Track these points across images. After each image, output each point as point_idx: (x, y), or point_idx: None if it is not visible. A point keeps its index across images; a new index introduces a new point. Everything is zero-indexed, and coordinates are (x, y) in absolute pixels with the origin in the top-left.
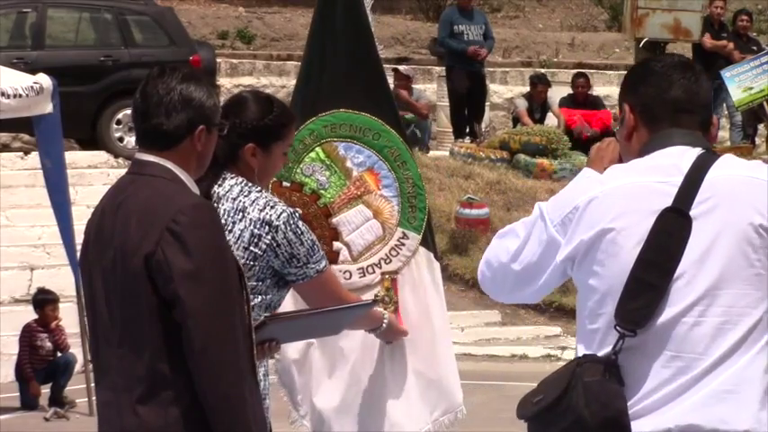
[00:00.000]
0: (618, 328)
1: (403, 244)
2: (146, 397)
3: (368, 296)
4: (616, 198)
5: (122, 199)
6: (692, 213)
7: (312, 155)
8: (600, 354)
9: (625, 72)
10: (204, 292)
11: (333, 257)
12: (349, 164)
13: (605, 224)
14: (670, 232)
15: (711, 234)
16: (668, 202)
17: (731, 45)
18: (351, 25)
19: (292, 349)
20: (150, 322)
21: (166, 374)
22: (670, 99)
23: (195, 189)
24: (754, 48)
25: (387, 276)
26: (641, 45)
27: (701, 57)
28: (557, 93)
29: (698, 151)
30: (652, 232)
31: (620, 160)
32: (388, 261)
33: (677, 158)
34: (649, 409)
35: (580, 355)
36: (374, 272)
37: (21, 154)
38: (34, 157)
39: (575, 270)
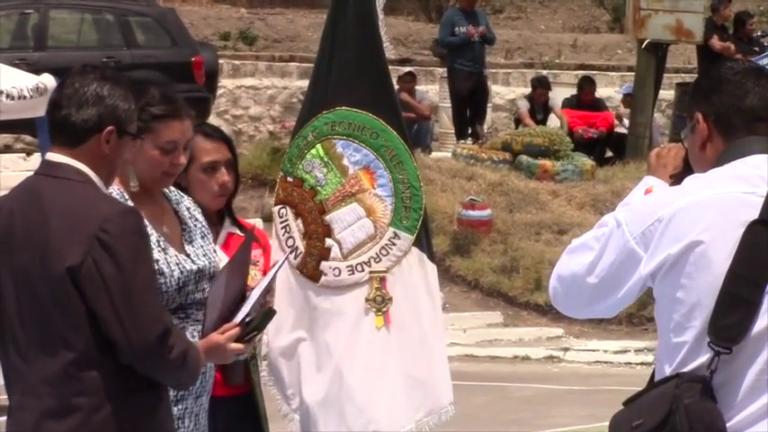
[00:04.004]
0: (713, 345)
1: (394, 244)
2: (71, 404)
3: (354, 295)
4: (703, 210)
5: (36, 201)
6: None
7: (313, 151)
8: (688, 368)
9: (627, 73)
10: (134, 299)
11: (324, 254)
12: (345, 161)
13: (694, 236)
14: (760, 245)
15: None
16: (755, 212)
17: (734, 47)
18: (359, 25)
19: (280, 343)
20: (75, 328)
21: (91, 380)
22: (746, 108)
23: (107, 192)
24: (756, 49)
25: (375, 276)
26: (643, 46)
27: (707, 58)
28: (559, 94)
29: None
30: (742, 245)
31: (685, 167)
32: (377, 260)
33: (760, 168)
34: (744, 425)
35: (666, 369)
36: (363, 270)
37: (23, 155)
38: (36, 159)
39: (658, 282)
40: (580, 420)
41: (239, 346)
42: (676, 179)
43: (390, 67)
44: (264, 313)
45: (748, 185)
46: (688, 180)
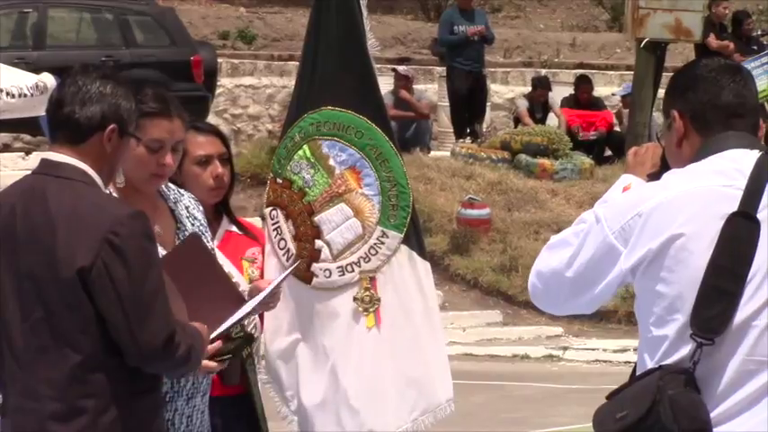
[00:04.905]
0: (695, 336)
1: (382, 243)
2: (76, 407)
3: (347, 296)
4: (682, 203)
5: (40, 202)
6: (758, 216)
7: (300, 152)
8: (670, 361)
9: (626, 72)
10: (143, 303)
11: (315, 256)
12: (332, 162)
13: (674, 230)
14: (740, 237)
15: None
16: (734, 205)
17: (732, 46)
18: (342, 24)
19: (277, 345)
20: (83, 331)
21: (98, 383)
22: (722, 104)
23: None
24: (755, 47)
25: (365, 276)
26: (642, 45)
27: (705, 57)
28: (558, 93)
29: (756, 153)
30: (722, 237)
31: (663, 165)
32: (366, 260)
33: (738, 162)
34: (726, 417)
35: (648, 363)
36: (353, 270)
37: (22, 154)
38: (35, 158)
39: (638, 277)
40: (579, 419)
41: (211, 364)
42: (654, 177)
43: (389, 66)
44: (244, 339)
45: (727, 179)
46: (667, 175)
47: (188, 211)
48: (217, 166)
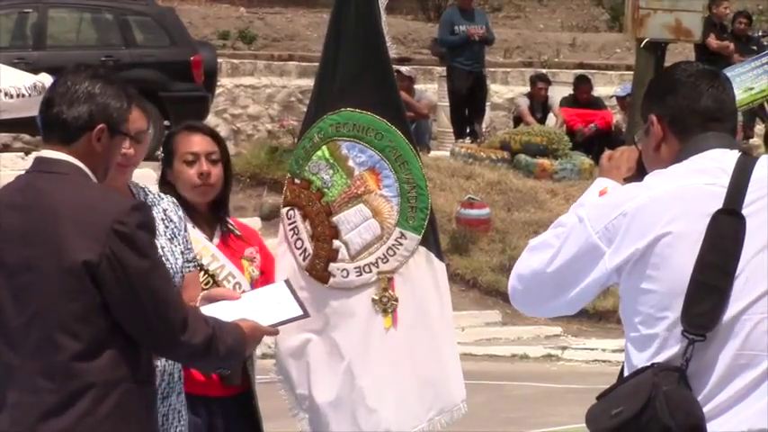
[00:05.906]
0: (686, 333)
1: (401, 244)
2: (74, 396)
3: (364, 296)
4: (667, 202)
5: (40, 198)
6: (743, 213)
7: (319, 153)
8: (661, 359)
9: (626, 72)
10: (159, 287)
11: (332, 256)
12: (351, 163)
13: (660, 229)
14: (726, 233)
15: (765, 231)
16: (719, 203)
17: (732, 46)
18: (362, 25)
19: (288, 343)
20: (85, 321)
21: (96, 372)
22: (701, 109)
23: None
24: (755, 47)
25: (382, 277)
26: (642, 45)
27: (704, 57)
28: (558, 93)
29: (737, 153)
30: (708, 234)
31: (639, 168)
32: (384, 261)
33: (720, 161)
34: (719, 411)
35: (636, 362)
36: (371, 271)
37: (21, 154)
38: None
39: (624, 276)
40: (578, 419)
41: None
42: (630, 181)
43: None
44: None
45: (710, 177)
46: (649, 177)
47: (165, 214)
48: (202, 164)
